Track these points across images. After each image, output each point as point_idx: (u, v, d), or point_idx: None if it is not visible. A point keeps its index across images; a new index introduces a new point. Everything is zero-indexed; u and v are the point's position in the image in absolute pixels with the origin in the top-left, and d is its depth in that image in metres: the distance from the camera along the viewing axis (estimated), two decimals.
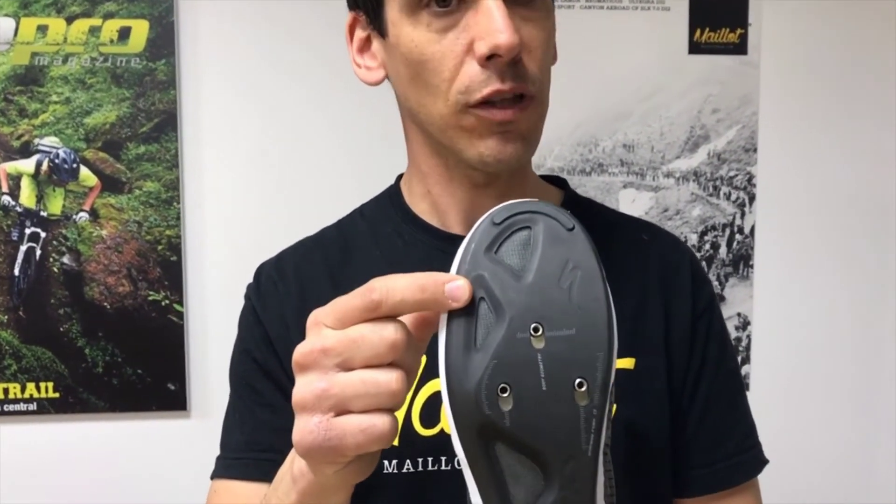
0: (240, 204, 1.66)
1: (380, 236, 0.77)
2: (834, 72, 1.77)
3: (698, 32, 1.72)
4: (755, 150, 1.75)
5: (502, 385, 0.48)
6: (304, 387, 0.50)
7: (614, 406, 0.69)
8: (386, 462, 0.69)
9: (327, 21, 1.64)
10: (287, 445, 0.71)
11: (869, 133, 1.79)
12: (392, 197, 0.79)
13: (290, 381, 0.72)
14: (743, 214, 1.76)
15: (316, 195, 1.65)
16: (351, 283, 0.73)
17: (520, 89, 0.64)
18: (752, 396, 1.81)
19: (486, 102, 0.64)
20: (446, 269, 0.51)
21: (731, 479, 0.75)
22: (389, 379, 0.48)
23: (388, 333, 0.48)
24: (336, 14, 1.64)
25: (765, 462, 0.78)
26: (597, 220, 0.78)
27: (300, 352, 0.51)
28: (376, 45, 0.72)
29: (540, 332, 0.48)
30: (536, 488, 0.48)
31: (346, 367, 0.49)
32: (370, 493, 0.66)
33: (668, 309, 0.74)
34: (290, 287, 0.76)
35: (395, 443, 0.69)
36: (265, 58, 1.64)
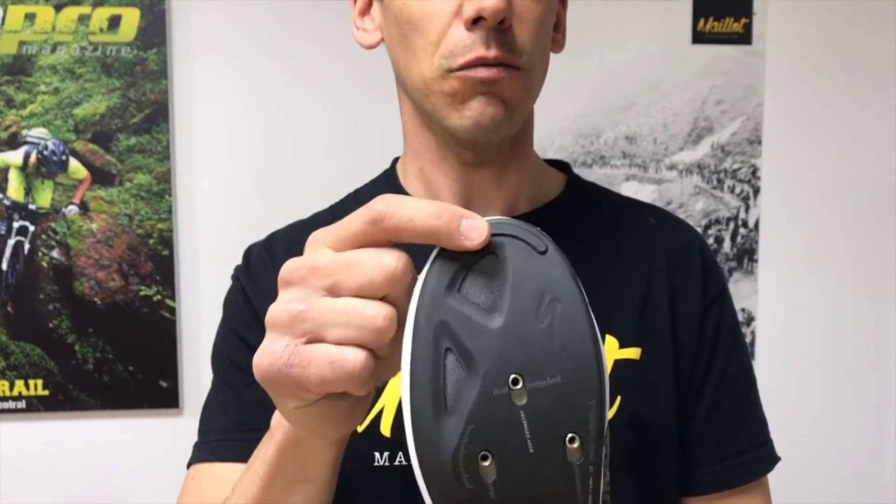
0: (233, 197, 1.63)
1: None
2: (840, 62, 1.75)
3: (702, 22, 1.69)
4: (760, 143, 1.73)
5: (483, 453, 0.41)
6: (281, 305, 0.44)
7: (619, 398, 0.66)
8: (377, 454, 0.67)
9: (321, 10, 1.62)
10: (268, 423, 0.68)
11: (876, 125, 1.77)
12: (388, 178, 0.78)
13: None
14: (747, 208, 1.74)
15: (310, 187, 1.61)
16: None
17: (506, 59, 0.61)
18: None
19: (470, 67, 0.62)
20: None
21: (741, 478, 0.72)
22: (376, 313, 0.42)
23: (388, 261, 0.42)
24: (330, 3, 1.61)
25: (776, 460, 0.75)
26: (603, 204, 0.76)
27: (288, 267, 0.45)
28: (375, 7, 0.70)
29: (520, 385, 0.41)
30: None
31: (334, 292, 0.43)
32: (362, 486, 0.64)
33: (676, 296, 0.71)
34: (279, 266, 0.73)
35: (387, 435, 0.66)
36: (258, 47, 1.62)
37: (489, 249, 0.42)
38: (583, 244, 0.71)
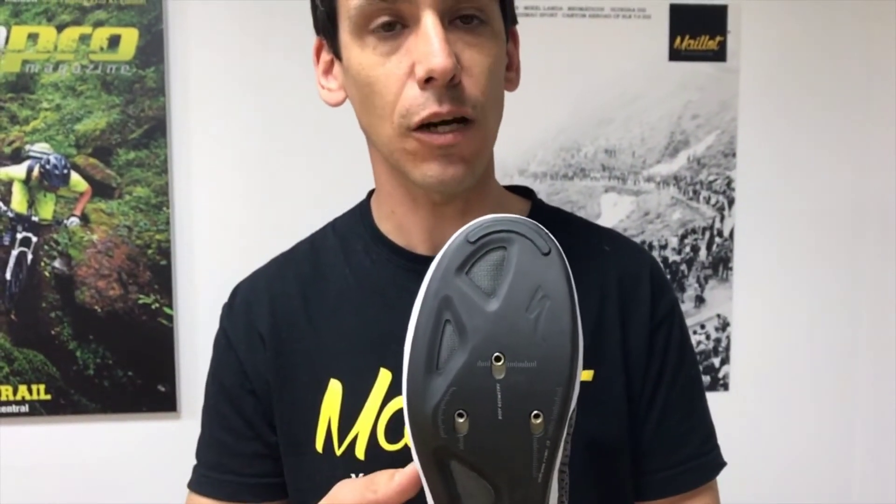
0: (228, 208, 1.68)
1: (350, 253, 0.78)
2: (811, 78, 1.81)
3: (678, 40, 1.75)
4: (734, 155, 1.79)
5: (459, 411, 0.48)
6: None
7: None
8: (353, 475, 0.71)
9: (313, 29, 1.67)
10: (246, 468, 0.76)
11: (845, 138, 1.83)
12: (362, 214, 0.80)
13: (256, 404, 0.76)
14: (722, 218, 1.80)
15: (303, 200, 1.67)
16: (321, 300, 0.76)
17: (458, 112, 0.65)
18: (731, 396, 1.86)
19: (428, 126, 0.65)
20: (413, 290, 0.52)
21: (689, 483, 0.77)
22: None
23: None
24: None
25: (722, 465, 0.80)
26: (561, 229, 0.80)
27: None
28: (337, 68, 0.73)
29: (501, 362, 0.48)
30: (488, 502, 0.49)
31: None
32: None
33: (626, 319, 0.75)
34: (263, 306, 0.78)
35: (362, 457, 0.71)
36: (253, 65, 1.66)
37: (500, 243, 0.49)
38: None
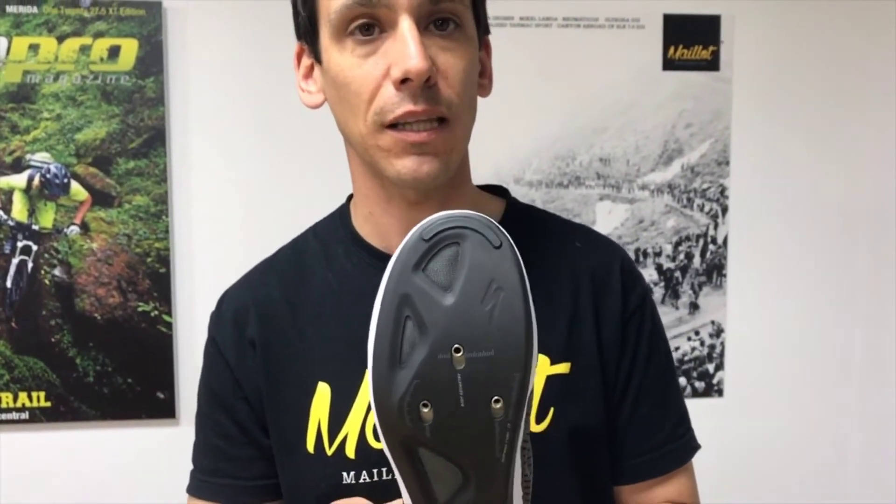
0: (227, 217, 1.70)
1: (331, 257, 0.80)
2: (803, 87, 1.83)
3: (672, 50, 1.77)
4: (727, 163, 1.81)
5: (423, 401, 0.51)
6: None
7: (552, 409, 0.74)
8: (345, 474, 0.74)
9: (295, 37, 1.69)
10: (242, 471, 0.79)
11: (838, 146, 1.85)
12: (342, 217, 0.82)
13: (249, 410, 0.78)
14: (716, 225, 1.82)
15: (301, 208, 1.68)
16: (306, 305, 0.78)
17: (433, 112, 0.67)
18: (725, 402, 1.88)
19: (402, 124, 0.67)
20: None
21: (663, 467, 0.80)
22: None
23: None
24: None
25: (695, 448, 0.83)
26: (535, 227, 0.82)
27: None
28: (316, 71, 0.76)
29: (460, 354, 0.50)
30: (456, 485, 0.52)
31: None
32: (333, 502, 0.70)
33: (599, 312, 0.78)
34: (250, 313, 0.80)
35: (352, 456, 0.74)
36: (251, 76, 1.68)
37: (454, 239, 0.51)
38: None
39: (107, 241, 1.65)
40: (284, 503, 0.80)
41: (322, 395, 0.75)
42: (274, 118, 1.69)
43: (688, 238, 1.81)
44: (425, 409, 0.51)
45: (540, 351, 0.74)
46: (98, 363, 1.66)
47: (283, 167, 1.70)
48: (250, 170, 1.70)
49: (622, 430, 0.79)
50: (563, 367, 0.76)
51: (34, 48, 1.61)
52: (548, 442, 0.73)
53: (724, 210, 1.82)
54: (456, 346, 0.50)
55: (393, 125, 0.68)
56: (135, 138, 1.65)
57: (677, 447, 0.81)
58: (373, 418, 0.74)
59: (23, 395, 1.65)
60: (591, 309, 0.78)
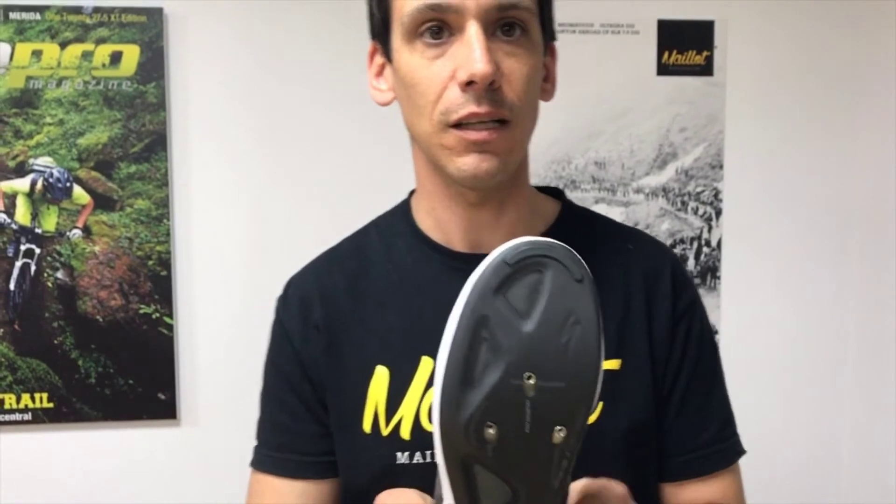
0: (227, 220, 1.72)
1: (392, 250, 0.84)
2: (796, 92, 1.85)
3: (666, 55, 1.79)
4: (721, 167, 1.83)
5: (489, 423, 0.51)
6: None
7: (601, 404, 0.77)
8: (399, 454, 0.77)
9: (310, 45, 1.71)
10: (305, 447, 0.83)
11: (830, 149, 1.87)
12: (404, 212, 0.85)
13: (312, 390, 0.82)
14: (710, 228, 1.84)
15: (300, 211, 1.70)
16: (367, 293, 0.83)
17: (496, 114, 0.70)
18: None
19: (465, 124, 0.70)
20: (453, 285, 0.55)
21: (706, 467, 0.82)
22: None
23: None
24: (318, 42, 1.71)
25: (740, 452, 0.85)
26: (589, 230, 0.85)
27: None
28: (387, 70, 0.79)
29: (532, 381, 0.51)
30: (504, 501, 0.53)
31: None
32: (387, 480, 0.73)
33: (650, 312, 0.80)
34: (315, 299, 0.84)
35: (407, 437, 0.77)
36: (251, 80, 1.71)
37: (536, 267, 0.52)
38: None
39: (109, 244, 1.67)
40: (340, 480, 0.84)
41: (380, 378, 0.79)
42: (273, 123, 1.72)
43: (682, 241, 1.83)
44: (490, 431, 0.51)
45: None
46: (100, 365, 1.68)
47: (283, 171, 1.72)
48: (250, 174, 1.72)
49: (668, 428, 0.81)
50: (613, 364, 0.78)
51: (37, 54, 1.63)
52: (596, 436, 0.75)
53: (718, 213, 1.84)
54: (529, 373, 0.51)
55: (456, 125, 0.71)
56: (136, 143, 1.67)
57: (722, 449, 0.83)
58: (428, 401, 0.76)
59: (26, 397, 1.67)
60: (643, 309, 0.80)
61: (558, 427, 0.51)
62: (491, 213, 0.79)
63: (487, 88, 0.69)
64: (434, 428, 0.53)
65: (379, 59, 0.80)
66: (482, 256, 0.55)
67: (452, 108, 0.70)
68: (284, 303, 0.86)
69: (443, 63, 0.71)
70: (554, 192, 0.88)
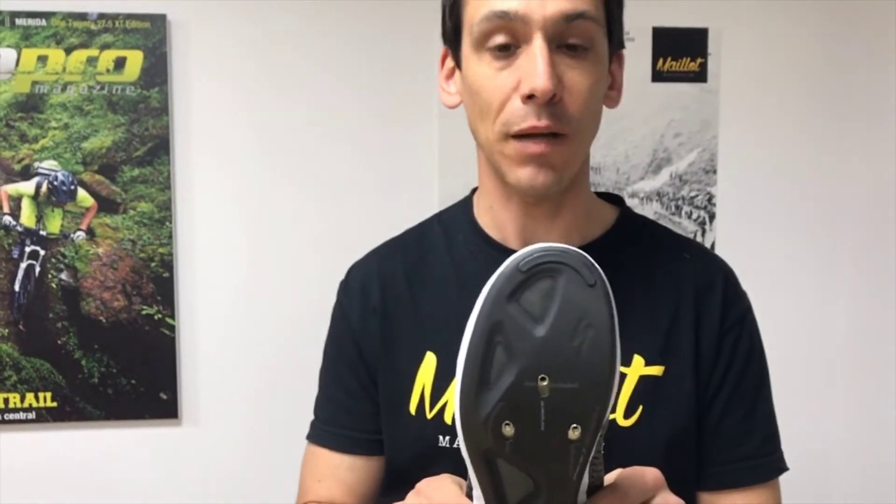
0: (229, 223, 1.74)
1: (452, 243, 0.87)
2: (788, 98, 1.87)
3: (661, 62, 1.82)
4: (715, 172, 1.85)
5: (506, 421, 0.53)
6: None
7: (640, 408, 0.79)
8: (440, 437, 0.80)
9: (311, 51, 1.73)
10: (358, 424, 0.87)
11: (823, 154, 1.89)
12: (465, 208, 0.89)
13: (367, 371, 0.86)
14: (704, 232, 1.86)
15: (300, 214, 1.72)
16: (424, 282, 0.87)
17: (554, 128, 0.72)
18: None
19: (525, 135, 0.72)
20: None
21: (744, 479, 0.83)
22: None
23: None
24: (318, 48, 1.73)
25: (782, 469, 0.85)
26: (645, 236, 0.87)
27: None
28: (457, 75, 0.82)
29: (546, 383, 0.52)
30: (527, 491, 0.56)
31: None
32: (428, 461, 0.77)
33: (699, 322, 0.81)
34: (374, 284, 0.87)
35: (449, 422, 0.80)
36: (253, 84, 1.73)
37: (549, 273, 0.53)
38: (623, 274, 0.79)
39: (112, 246, 1.70)
40: (385, 459, 0.87)
41: (429, 363, 0.82)
42: (275, 127, 1.74)
43: None
44: (507, 428, 0.53)
45: (636, 351, 0.79)
46: (103, 365, 1.70)
47: (284, 175, 1.74)
48: (251, 177, 1.74)
49: (708, 437, 0.82)
50: (656, 370, 0.80)
51: (42, 59, 1.66)
52: (633, 438, 0.77)
53: (712, 217, 1.86)
54: (542, 375, 0.52)
55: (516, 136, 0.73)
56: (140, 147, 1.69)
57: (763, 463, 0.84)
58: None
59: (30, 396, 1.69)
60: (692, 318, 0.81)
61: (574, 425, 0.53)
62: (546, 214, 0.81)
63: (548, 102, 0.71)
64: (456, 425, 0.56)
65: (450, 64, 0.83)
66: None
67: (514, 119, 0.72)
68: (346, 286, 0.90)
69: (508, 74, 0.73)
70: (615, 200, 0.90)
